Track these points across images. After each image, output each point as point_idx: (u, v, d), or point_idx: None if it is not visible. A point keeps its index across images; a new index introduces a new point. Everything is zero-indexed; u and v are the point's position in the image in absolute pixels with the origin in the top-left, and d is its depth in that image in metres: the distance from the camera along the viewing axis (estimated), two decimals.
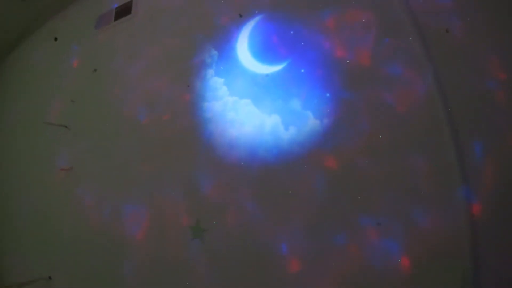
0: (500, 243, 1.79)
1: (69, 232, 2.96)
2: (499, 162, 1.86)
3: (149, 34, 3.08)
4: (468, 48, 1.98)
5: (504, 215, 1.81)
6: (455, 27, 2.01)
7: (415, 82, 2.06)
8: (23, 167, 3.55)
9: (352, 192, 2.09)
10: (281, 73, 2.44)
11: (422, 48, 2.03)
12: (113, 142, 3.00)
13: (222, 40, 2.68)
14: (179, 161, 2.65)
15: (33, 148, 3.52)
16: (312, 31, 2.41)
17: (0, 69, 4.38)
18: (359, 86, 2.20)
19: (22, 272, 3.10)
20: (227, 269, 2.30)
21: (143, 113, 2.87)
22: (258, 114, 2.42)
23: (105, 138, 3.05)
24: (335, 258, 2.05)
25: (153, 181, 2.70)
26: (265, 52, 2.54)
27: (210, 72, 2.65)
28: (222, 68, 2.63)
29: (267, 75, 2.48)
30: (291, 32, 2.47)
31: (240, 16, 2.66)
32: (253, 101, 2.46)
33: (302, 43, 2.42)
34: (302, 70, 2.38)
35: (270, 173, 2.31)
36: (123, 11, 3.22)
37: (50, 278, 2.88)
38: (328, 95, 2.27)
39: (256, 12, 2.62)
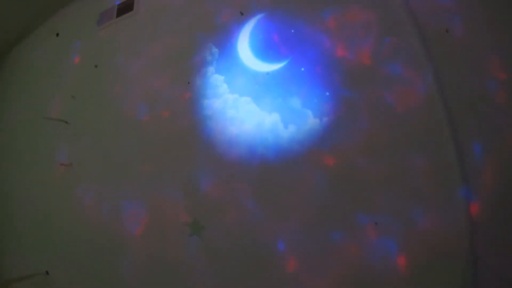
0: (499, 244, 1.79)
1: (67, 229, 2.96)
2: (499, 162, 1.86)
3: (150, 31, 3.09)
4: (468, 48, 1.98)
5: (504, 215, 1.81)
6: (455, 27, 2.01)
7: (415, 81, 2.06)
8: (23, 164, 3.55)
9: (351, 191, 2.09)
10: (281, 71, 2.44)
11: (422, 48, 2.03)
12: (112, 139, 3.01)
13: (223, 38, 2.69)
14: (178, 158, 2.65)
15: (33, 144, 3.53)
16: (312, 30, 2.42)
17: (2, 66, 4.40)
18: (359, 86, 2.20)
19: (20, 268, 3.11)
20: (225, 266, 2.30)
21: (143, 110, 2.88)
22: (258, 112, 2.42)
23: (105, 135, 3.06)
24: (334, 257, 2.04)
25: (152, 178, 2.70)
26: (265, 50, 2.54)
27: (211, 69, 2.65)
28: (222, 65, 2.64)
29: (267, 73, 2.48)
30: (292, 31, 2.48)
31: (241, 14, 2.67)
32: (253, 99, 2.46)
33: (303, 42, 2.43)
34: (302, 69, 2.38)
35: (269, 171, 2.31)
36: (125, 8, 3.23)
37: (47, 273, 2.87)
38: (328, 94, 2.27)
39: (257, 10, 2.63)
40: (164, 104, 2.81)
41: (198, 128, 2.59)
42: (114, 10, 3.30)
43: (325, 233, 2.09)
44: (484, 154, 1.89)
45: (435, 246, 1.85)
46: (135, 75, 3.05)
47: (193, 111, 2.64)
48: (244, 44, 2.61)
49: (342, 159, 2.15)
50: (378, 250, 1.95)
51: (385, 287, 1.92)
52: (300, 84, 2.36)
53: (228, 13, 2.74)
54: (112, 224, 2.75)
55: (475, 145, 1.91)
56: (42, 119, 3.32)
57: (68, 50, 3.56)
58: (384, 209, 1.99)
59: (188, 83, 2.71)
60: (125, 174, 2.84)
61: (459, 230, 1.82)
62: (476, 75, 1.96)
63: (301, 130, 2.27)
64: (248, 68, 2.56)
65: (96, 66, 3.25)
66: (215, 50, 2.69)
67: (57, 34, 3.66)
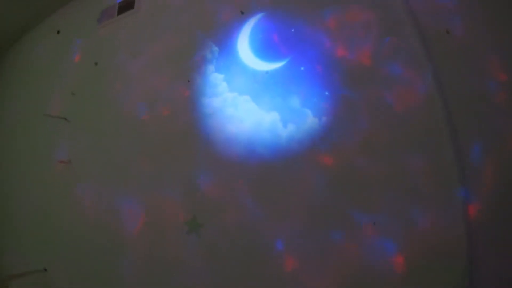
0: (498, 244, 1.78)
1: (66, 226, 2.97)
2: (498, 163, 1.85)
3: (151, 29, 3.10)
4: (468, 48, 1.98)
5: (503, 216, 1.80)
6: (455, 27, 2.01)
7: (415, 82, 2.05)
8: (22, 161, 3.57)
9: (349, 191, 2.08)
10: (281, 70, 2.44)
11: (422, 48, 2.02)
12: (112, 137, 3.01)
13: (223, 37, 2.69)
14: (177, 156, 2.65)
15: (33, 141, 3.54)
16: (313, 30, 2.42)
17: (2, 63, 4.41)
18: (359, 85, 2.20)
19: (19, 265, 3.11)
20: (223, 265, 2.30)
21: (142, 108, 2.88)
22: (257, 110, 2.42)
23: (104, 133, 3.06)
24: (332, 256, 2.04)
25: (150, 176, 2.71)
26: (265, 49, 2.54)
27: (211, 68, 2.66)
28: (222, 64, 2.64)
29: (267, 72, 2.48)
30: (292, 30, 2.48)
31: (242, 13, 2.67)
32: (252, 97, 2.46)
33: (303, 41, 2.42)
34: (302, 68, 2.38)
35: (268, 170, 2.31)
36: (126, 6, 3.24)
37: (45, 270, 2.87)
38: (327, 93, 2.27)
39: (258, 9, 2.63)
40: (163, 102, 2.81)
41: (197, 126, 2.59)
42: (115, 8, 3.31)
43: (323, 233, 2.08)
44: (484, 155, 1.88)
45: (434, 246, 1.85)
46: (135, 73, 3.05)
47: (192, 109, 2.65)
48: (244, 43, 2.61)
49: (341, 158, 2.15)
50: (376, 250, 1.94)
51: (383, 287, 1.91)
52: (300, 83, 2.36)
53: (228, 12, 2.74)
54: (111, 223, 2.75)
55: (475, 146, 1.90)
56: (42, 116, 3.32)
57: (69, 48, 3.57)
58: (382, 209, 1.98)
59: (188, 81, 2.71)
60: (124, 172, 2.84)
61: (458, 230, 1.82)
62: (476, 76, 1.95)
63: (300, 129, 2.27)
64: (248, 67, 2.56)
65: (96, 63, 3.26)
66: (215, 48, 2.69)
67: (58, 32, 3.67)
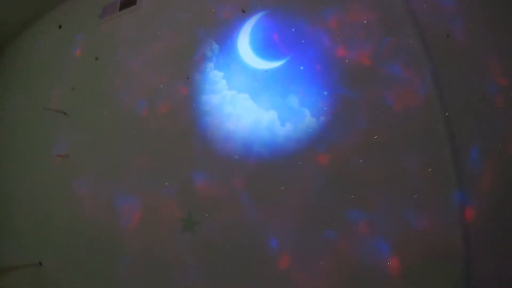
0: (494, 247, 1.77)
1: (62, 221, 2.97)
2: (495, 166, 1.84)
3: (152, 26, 3.10)
4: (468, 51, 1.97)
5: (499, 219, 1.79)
6: (456, 28, 2.00)
7: (415, 82, 2.05)
8: (22, 156, 3.57)
9: (346, 191, 2.08)
10: (280, 69, 2.44)
11: (422, 48, 2.02)
12: (110, 132, 3.02)
13: (224, 34, 2.69)
14: (174, 153, 2.65)
15: (33, 136, 3.54)
16: (313, 29, 2.42)
17: (3, 58, 4.42)
18: (358, 85, 2.19)
19: (14, 259, 3.11)
20: (218, 263, 2.29)
21: (141, 104, 2.88)
22: (255, 109, 2.42)
23: (103, 128, 3.06)
24: (328, 256, 2.03)
25: (147, 172, 2.71)
26: (265, 48, 2.54)
27: (210, 65, 2.66)
28: (222, 61, 2.64)
29: (266, 71, 2.48)
30: (292, 30, 2.48)
31: (243, 11, 2.67)
32: (251, 96, 2.46)
33: (303, 41, 2.43)
34: (302, 68, 2.38)
35: (264, 168, 2.31)
36: (128, 2, 3.25)
37: (40, 264, 2.87)
38: (326, 93, 2.26)
39: (259, 8, 2.63)
40: (162, 99, 2.81)
41: (196, 123, 2.59)
42: (117, 4, 3.31)
43: (319, 232, 2.07)
44: (482, 158, 1.87)
45: (430, 248, 1.84)
46: (135, 70, 3.06)
47: (191, 106, 2.65)
48: (244, 41, 2.62)
49: (338, 158, 2.14)
50: (372, 250, 1.94)
51: (377, 286, 1.90)
52: (299, 82, 2.36)
53: (229, 10, 2.75)
54: (107, 218, 2.75)
55: (473, 148, 1.89)
56: (41, 111, 3.33)
57: (70, 43, 3.57)
58: (379, 209, 1.97)
59: (187, 78, 2.71)
60: (121, 167, 2.84)
61: (454, 233, 1.81)
62: (476, 79, 1.94)
63: (298, 128, 2.27)
64: (248, 65, 2.56)
65: (96, 58, 3.26)
66: (215, 46, 2.69)
67: (60, 26, 3.68)
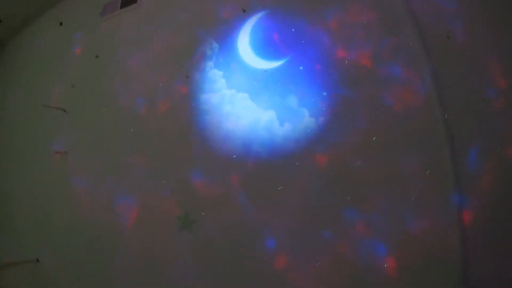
0: (492, 249, 1.76)
1: (60, 218, 2.96)
2: (494, 168, 1.83)
3: (152, 25, 3.10)
4: (468, 51, 1.97)
5: (498, 220, 1.78)
6: (456, 29, 2.00)
7: (414, 83, 2.04)
8: (22, 153, 3.57)
9: (344, 191, 2.07)
10: (280, 69, 2.44)
11: (422, 49, 2.01)
12: (109, 130, 3.01)
13: (224, 34, 2.69)
14: (173, 152, 2.65)
15: (32, 133, 3.54)
16: (313, 30, 2.41)
17: (3, 55, 4.42)
18: (357, 86, 2.19)
19: (12, 256, 3.11)
20: (215, 261, 2.29)
21: (140, 103, 2.88)
22: (254, 108, 2.42)
23: (102, 126, 3.06)
24: (325, 256, 2.02)
25: (145, 171, 2.70)
26: (265, 47, 2.54)
27: (210, 64, 2.65)
28: (222, 60, 2.63)
29: (265, 71, 2.47)
30: (292, 30, 2.47)
31: (244, 11, 2.67)
32: (250, 95, 2.46)
33: (303, 41, 2.42)
34: (301, 68, 2.37)
35: (263, 168, 2.30)
36: (129, 0, 3.25)
37: (37, 260, 2.87)
38: (325, 93, 2.26)
39: (259, 8, 2.63)
40: (162, 98, 2.81)
41: (194, 122, 2.58)
42: (118, 2, 3.31)
43: (317, 232, 2.07)
44: (480, 160, 1.86)
45: (427, 249, 1.83)
46: (134, 68, 3.05)
47: (190, 105, 2.64)
48: (244, 41, 2.61)
49: (336, 158, 2.14)
50: (369, 250, 1.93)
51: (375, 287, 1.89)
52: (298, 82, 2.35)
53: (230, 10, 2.74)
54: (105, 216, 2.74)
55: (472, 150, 1.89)
56: (41, 108, 3.33)
57: (70, 41, 3.57)
58: (377, 210, 1.97)
59: (187, 77, 2.71)
60: (120, 166, 2.83)
61: (452, 234, 1.80)
62: (475, 77, 1.94)
63: (297, 128, 2.26)
64: (247, 64, 2.55)
65: (97, 56, 3.27)
66: (215, 45, 2.69)
67: (61, 23, 3.68)
